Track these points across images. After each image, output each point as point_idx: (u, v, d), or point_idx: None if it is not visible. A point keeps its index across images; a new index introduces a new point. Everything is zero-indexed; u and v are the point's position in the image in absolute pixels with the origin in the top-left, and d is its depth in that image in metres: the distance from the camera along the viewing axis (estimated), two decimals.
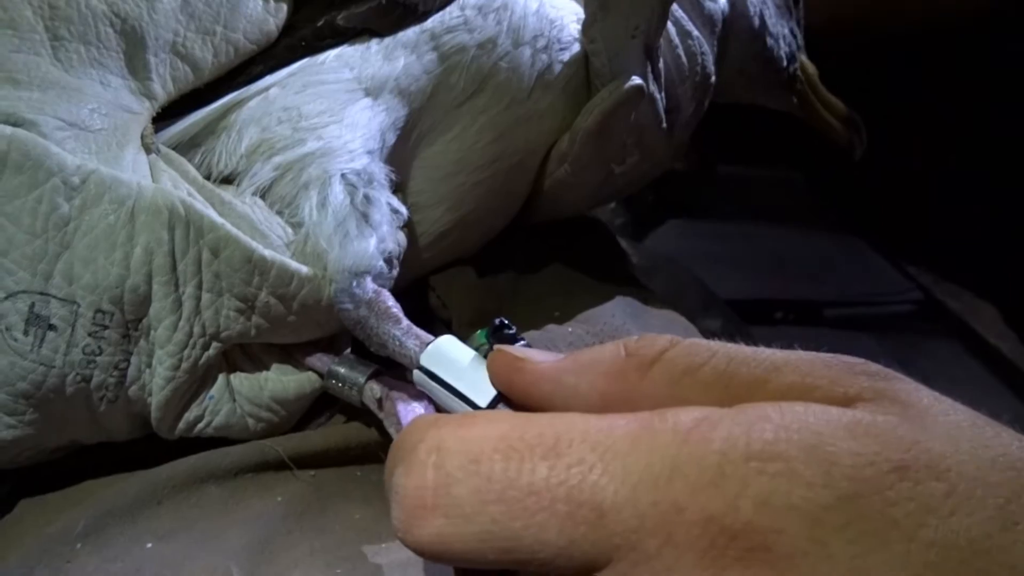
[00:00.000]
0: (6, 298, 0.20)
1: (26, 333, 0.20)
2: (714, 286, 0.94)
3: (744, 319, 0.91)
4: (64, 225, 0.20)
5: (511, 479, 0.16)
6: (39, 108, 0.21)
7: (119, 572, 0.22)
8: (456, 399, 0.22)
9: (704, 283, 0.86)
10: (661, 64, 0.33)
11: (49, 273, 0.21)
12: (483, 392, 0.21)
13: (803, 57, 0.41)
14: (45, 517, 0.24)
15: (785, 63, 0.40)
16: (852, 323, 0.97)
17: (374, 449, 0.26)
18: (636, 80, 0.30)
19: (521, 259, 0.37)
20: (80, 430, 0.23)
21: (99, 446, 0.25)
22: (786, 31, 0.39)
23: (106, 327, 0.21)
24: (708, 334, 0.84)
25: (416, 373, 0.22)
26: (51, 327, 0.21)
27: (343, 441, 0.25)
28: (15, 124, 0.21)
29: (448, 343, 0.22)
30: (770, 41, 0.39)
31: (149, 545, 0.23)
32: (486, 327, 0.26)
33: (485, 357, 0.21)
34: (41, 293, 0.20)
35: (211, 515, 0.24)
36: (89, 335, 0.21)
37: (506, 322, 0.23)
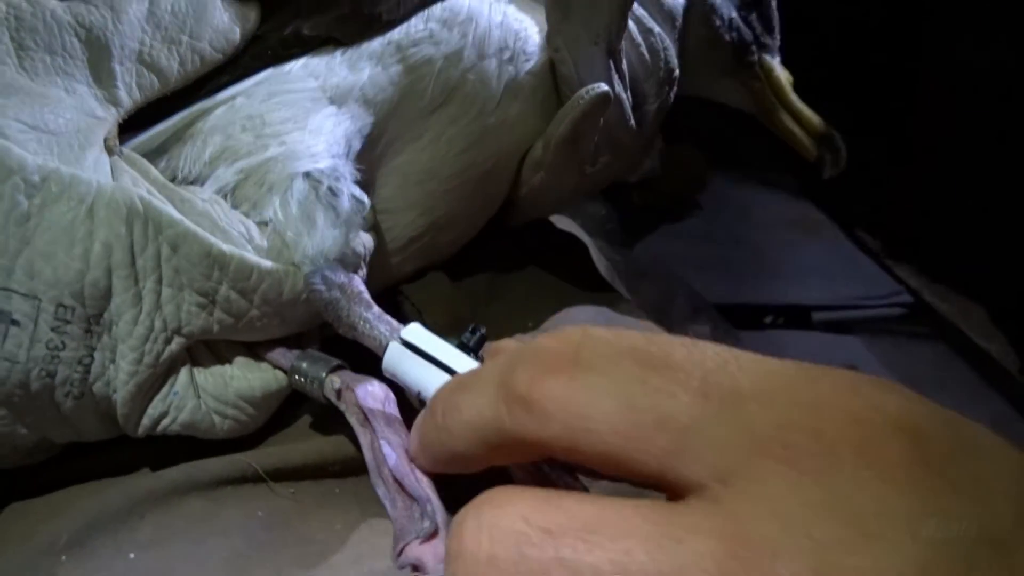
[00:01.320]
0: None
1: None
2: (704, 290, 0.95)
3: (733, 323, 0.91)
4: (24, 222, 0.21)
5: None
6: (1, 112, 0.22)
7: None
8: (436, 370, 0.22)
9: (693, 287, 0.86)
10: (625, 64, 0.34)
11: (10, 269, 0.21)
12: (467, 366, 0.22)
13: (772, 60, 0.42)
14: (29, 528, 0.24)
15: (734, 49, 0.40)
16: (840, 327, 0.98)
17: (352, 464, 0.26)
18: (603, 87, 0.31)
19: (496, 265, 0.38)
20: (49, 427, 0.24)
21: (79, 454, 0.26)
22: (735, 15, 0.40)
23: (68, 322, 0.22)
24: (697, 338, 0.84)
25: (392, 347, 0.23)
26: (14, 322, 0.21)
27: (321, 458, 0.25)
28: None
29: (422, 328, 0.23)
30: (716, 21, 0.39)
31: (132, 556, 0.23)
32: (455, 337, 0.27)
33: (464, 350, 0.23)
34: (3, 288, 0.21)
35: (193, 527, 0.24)
36: (52, 330, 0.22)
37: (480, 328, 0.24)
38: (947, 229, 1.13)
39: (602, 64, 0.32)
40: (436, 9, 0.30)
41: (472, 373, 0.18)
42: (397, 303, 0.33)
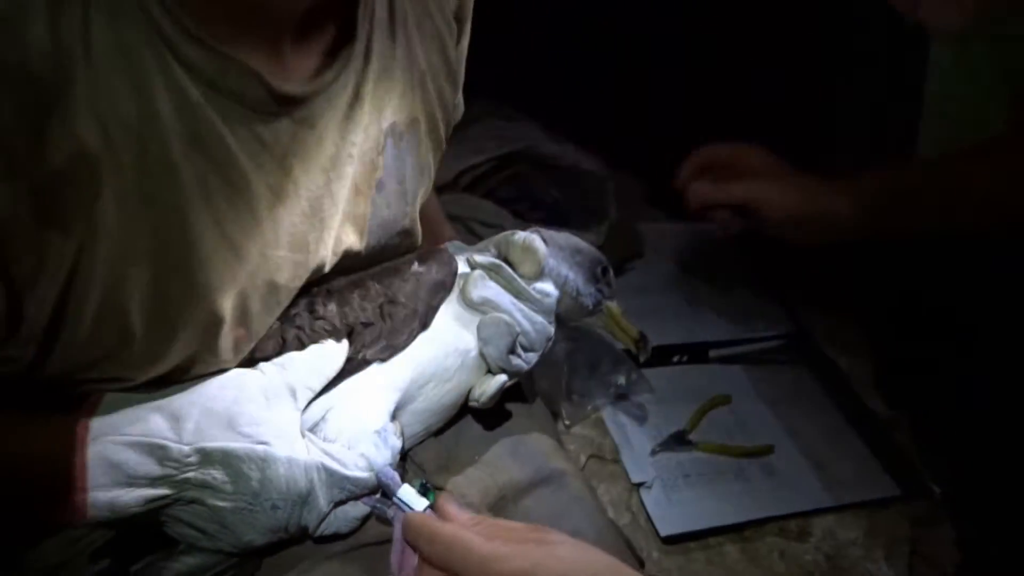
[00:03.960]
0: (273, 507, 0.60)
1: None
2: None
3: (650, 364, 1.25)
4: (274, 479, 0.60)
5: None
6: (267, 433, 0.61)
7: None
8: (408, 508, 0.61)
9: (615, 348, 1.21)
10: (519, 349, 0.71)
11: (269, 494, 0.60)
12: (419, 506, 0.61)
13: (610, 303, 0.79)
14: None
15: (591, 307, 0.77)
16: (730, 359, 1.31)
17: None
18: (506, 379, 0.69)
19: (459, 417, 0.76)
20: (284, 538, 0.63)
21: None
22: (592, 291, 0.77)
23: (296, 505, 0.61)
24: (616, 384, 1.19)
25: (395, 498, 0.62)
26: (276, 507, 0.60)
27: (377, 537, 0.65)
28: (263, 443, 0.60)
29: (408, 488, 0.62)
30: (581, 299, 0.76)
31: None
32: (417, 480, 0.65)
33: (420, 493, 0.61)
34: (271, 504, 0.60)
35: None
36: (293, 508, 0.61)
37: (425, 483, 0.63)
38: (835, 264, 1.45)
39: (508, 356, 0.70)
40: (427, 332, 0.68)
41: None
42: (408, 456, 0.72)
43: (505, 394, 0.76)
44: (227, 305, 0.58)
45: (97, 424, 0.55)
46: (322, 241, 0.62)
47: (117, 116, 0.49)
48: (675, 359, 1.29)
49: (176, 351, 0.58)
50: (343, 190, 0.62)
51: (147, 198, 0.52)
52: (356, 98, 0.62)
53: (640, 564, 0.82)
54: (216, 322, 0.59)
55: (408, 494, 0.61)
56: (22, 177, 0.47)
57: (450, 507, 0.58)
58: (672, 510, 1.06)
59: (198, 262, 0.56)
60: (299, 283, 0.63)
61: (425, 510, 0.60)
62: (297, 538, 0.64)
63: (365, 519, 0.66)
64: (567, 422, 1.13)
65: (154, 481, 0.56)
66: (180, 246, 0.54)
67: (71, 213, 0.49)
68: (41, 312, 0.51)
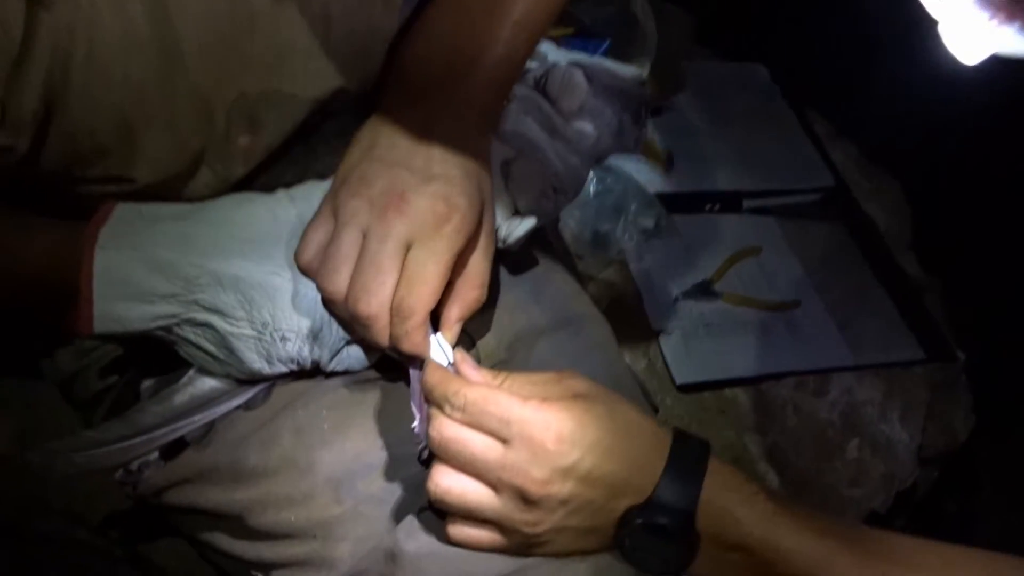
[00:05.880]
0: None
1: None
2: (665, 181, 1.24)
3: (681, 210, 1.22)
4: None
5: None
6: (279, 265, 0.58)
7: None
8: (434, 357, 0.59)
9: (645, 190, 1.16)
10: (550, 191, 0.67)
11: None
12: (440, 360, 0.59)
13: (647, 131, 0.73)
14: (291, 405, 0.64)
15: (632, 148, 0.72)
16: (765, 211, 1.26)
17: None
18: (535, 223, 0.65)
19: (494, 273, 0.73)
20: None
21: None
22: (636, 131, 0.71)
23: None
24: (643, 228, 1.16)
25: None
26: (284, 339, 0.59)
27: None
28: (275, 274, 0.57)
29: (437, 338, 0.60)
30: (623, 139, 0.71)
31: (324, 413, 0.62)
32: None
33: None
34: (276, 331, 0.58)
35: (349, 399, 0.63)
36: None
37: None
38: (883, 113, 1.38)
39: (540, 200, 0.65)
40: None
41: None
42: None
43: (530, 237, 0.73)
44: (229, 106, 0.55)
45: (106, 234, 0.52)
46: (337, 55, 0.57)
47: None
48: (707, 207, 1.25)
49: (180, 152, 0.55)
50: (361, 8, 0.56)
51: None
52: None
53: (655, 410, 0.82)
54: (219, 123, 0.55)
55: (432, 344, 0.58)
56: None
57: (466, 366, 0.55)
58: (690, 359, 1.05)
59: (193, 56, 0.52)
60: (314, 94, 0.58)
61: (448, 367, 0.57)
62: (308, 372, 0.63)
63: (378, 358, 0.64)
64: (591, 263, 1.10)
65: (162, 298, 0.54)
66: (171, 37, 0.51)
67: None
68: (28, 96, 0.48)
